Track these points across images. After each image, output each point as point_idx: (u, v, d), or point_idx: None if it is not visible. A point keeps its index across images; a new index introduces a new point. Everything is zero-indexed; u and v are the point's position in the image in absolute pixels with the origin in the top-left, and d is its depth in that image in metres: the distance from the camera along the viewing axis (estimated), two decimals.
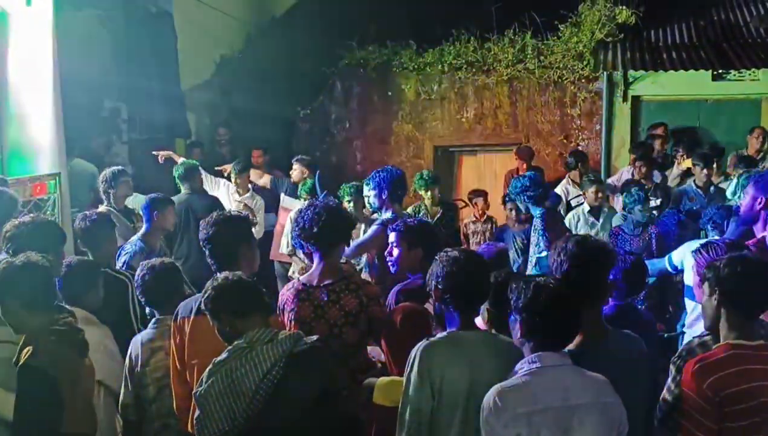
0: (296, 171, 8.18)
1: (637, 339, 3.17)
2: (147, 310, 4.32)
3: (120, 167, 6.85)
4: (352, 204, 6.95)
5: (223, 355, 2.99)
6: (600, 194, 7.70)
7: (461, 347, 2.99)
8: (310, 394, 3.00)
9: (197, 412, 2.97)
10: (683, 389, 2.77)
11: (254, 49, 10.97)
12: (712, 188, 7.63)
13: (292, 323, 3.83)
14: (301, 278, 4.07)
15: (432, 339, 3.05)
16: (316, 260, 4.01)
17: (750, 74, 9.67)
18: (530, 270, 5.84)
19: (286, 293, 3.95)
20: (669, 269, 4.57)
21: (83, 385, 3.32)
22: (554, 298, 2.76)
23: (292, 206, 7.25)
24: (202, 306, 3.19)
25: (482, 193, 8.66)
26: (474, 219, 8.58)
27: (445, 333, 3.10)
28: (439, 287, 3.08)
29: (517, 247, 7.28)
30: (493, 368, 2.89)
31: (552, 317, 2.75)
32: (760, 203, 4.24)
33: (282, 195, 8.10)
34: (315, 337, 3.17)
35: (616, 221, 7.52)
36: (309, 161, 8.18)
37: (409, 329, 3.53)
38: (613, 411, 2.74)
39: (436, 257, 3.19)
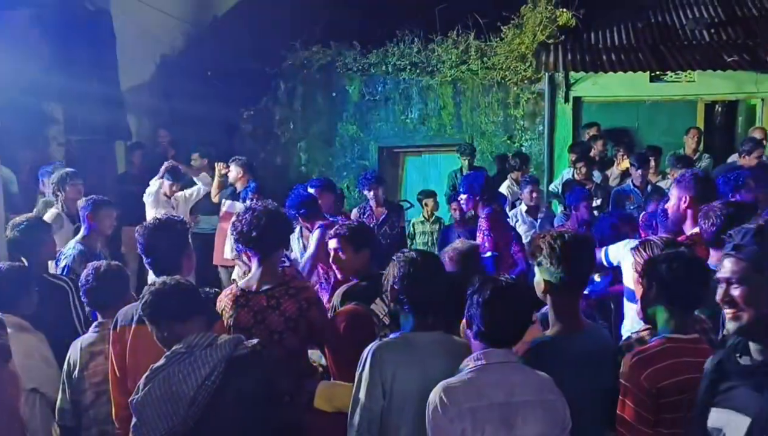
0: (232, 172, 8.09)
1: (606, 333, 3.26)
2: (88, 311, 4.22)
3: (70, 170, 6.68)
4: None
5: (161, 361, 2.91)
6: (535, 194, 7.83)
7: (414, 348, 2.99)
8: (251, 398, 2.94)
9: (134, 420, 2.89)
10: (621, 382, 2.81)
11: (195, 49, 10.83)
12: (649, 187, 7.79)
13: (231, 329, 3.74)
14: (239, 283, 4.00)
15: (385, 339, 3.05)
16: (254, 264, 3.93)
17: (686, 76, 9.91)
18: None
19: (224, 299, 3.86)
20: (604, 262, 4.62)
21: (7, 390, 3.21)
22: (503, 296, 2.78)
23: (235, 210, 7.13)
24: (140, 312, 3.11)
25: (432, 194, 8.71)
26: (422, 219, 8.61)
27: (398, 334, 3.09)
28: (396, 287, 3.08)
29: None
30: (446, 370, 2.89)
31: (498, 314, 2.76)
32: (684, 202, 4.34)
33: (224, 200, 7.98)
34: (255, 341, 3.11)
35: (558, 221, 7.63)
36: (245, 162, 8.08)
37: (353, 333, 3.50)
38: (556, 408, 2.76)
39: (394, 258, 3.19)
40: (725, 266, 2.27)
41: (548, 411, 2.74)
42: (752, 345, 2.28)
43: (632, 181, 8.01)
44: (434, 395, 2.71)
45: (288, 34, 10.71)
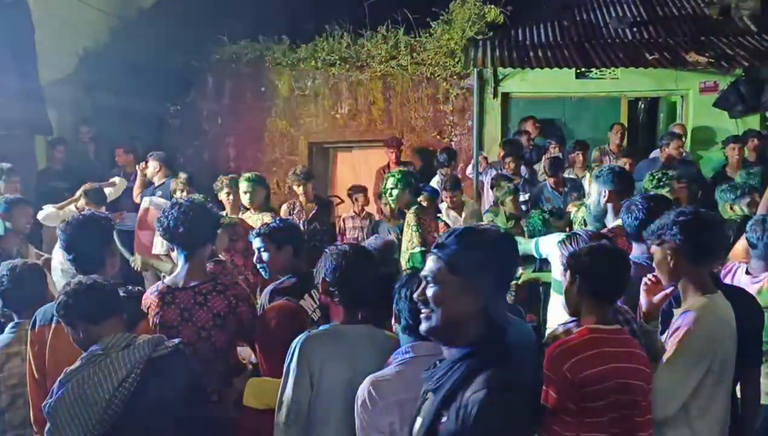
0: (150, 167, 7.91)
1: (529, 328, 3.34)
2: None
3: (5, 165, 6.42)
4: (231, 198, 6.76)
5: (76, 363, 2.82)
6: (453, 196, 7.89)
7: (342, 340, 3.01)
8: (173, 400, 2.87)
9: (48, 424, 2.79)
10: (545, 372, 2.85)
11: (120, 42, 10.50)
12: (566, 188, 7.95)
13: (157, 327, 3.67)
14: (165, 280, 3.92)
15: (314, 331, 3.05)
16: (181, 260, 3.86)
17: (610, 73, 10.14)
18: (404, 265, 5.86)
19: (150, 297, 3.78)
20: (534, 253, 4.69)
21: None
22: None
23: (152, 205, 6.95)
24: (55, 313, 3.00)
25: (362, 189, 8.69)
26: (353, 214, 8.59)
27: (327, 326, 3.10)
28: (327, 279, 3.09)
29: None
30: (375, 363, 2.90)
31: None
32: (604, 197, 4.44)
33: (150, 197, 7.78)
34: (177, 340, 3.04)
35: (489, 216, 7.70)
36: (163, 156, 7.91)
37: (283, 328, 3.47)
38: None
39: (326, 251, 3.21)
40: (427, 264, 2.22)
41: None
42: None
43: (549, 184, 8.17)
44: (362, 389, 2.71)
45: (216, 27, 10.53)
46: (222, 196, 6.74)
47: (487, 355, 2.11)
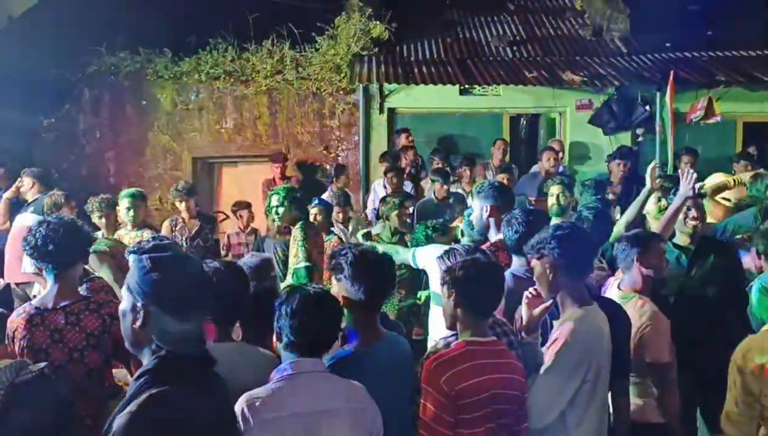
0: (24, 184, 7.53)
1: (405, 342, 3.31)
2: None
3: None
4: (103, 220, 6.48)
5: None
6: (344, 215, 7.95)
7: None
8: (40, 426, 2.69)
9: None
10: (423, 385, 2.88)
11: None
12: (451, 200, 8.07)
13: (25, 351, 3.49)
14: (33, 301, 3.71)
15: None
16: (50, 281, 3.67)
17: (492, 90, 10.40)
18: (289, 281, 5.79)
19: (16, 320, 3.60)
20: (411, 263, 4.71)
21: None
22: (312, 305, 2.77)
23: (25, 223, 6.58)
24: None
25: (247, 205, 8.57)
26: (238, 230, 8.45)
27: None
28: None
29: (278, 258, 7.20)
30: (249, 381, 2.83)
31: (307, 323, 2.75)
32: (486, 211, 4.52)
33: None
34: (42, 364, 2.87)
35: (376, 230, 7.71)
36: (36, 173, 7.55)
37: None
38: (364, 417, 2.77)
39: None
40: None
41: (357, 420, 2.75)
42: None
43: (434, 193, 8.26)
44: (237, 407, 2.65)
45: (92, 38, 10.13)
46: (94, 218, 6.46)
47: (156, 374, 2.14)
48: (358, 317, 3.08)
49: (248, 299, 3.15)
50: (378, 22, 10.38)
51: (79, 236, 3.77)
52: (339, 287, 3.09)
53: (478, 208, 4.62)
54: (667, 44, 10.82)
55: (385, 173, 8.89)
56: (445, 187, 8.23)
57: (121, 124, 10.47)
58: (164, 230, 7.20)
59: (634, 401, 3.75)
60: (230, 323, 3.06)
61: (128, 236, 6.33)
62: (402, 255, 4.65)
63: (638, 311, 3.84)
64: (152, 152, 10.53)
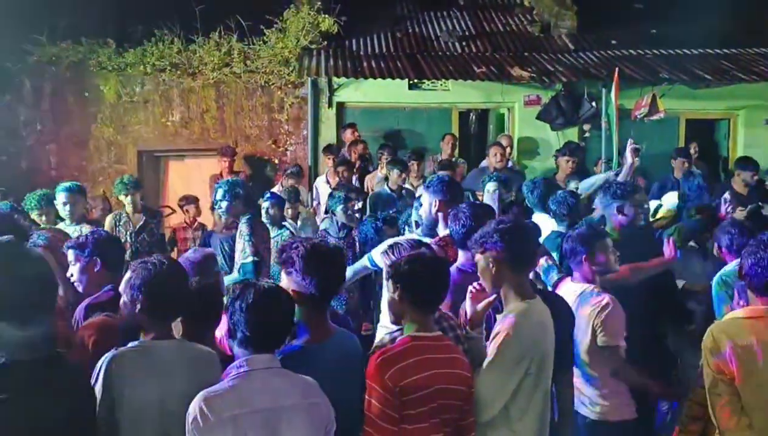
0: None
1: (354, 338, 3.30)
2: None
3: None
4: (44, 217, 6.28)
5: None
6: (292, 211, 7.86)
7: (151, 357, 2.87)
8: None
9: None
10: (367, 381, 2.87)
11: None
12: (404, 191, 8.07)
13: None
14: None
15: (121, 349, 2.88)
16: None
17: (441, 85, 10.43)
18: (235, 276, 5.71)
19: None
20: (369, 266, 4.68)
21: None
22: (265, 300, 2.74)
23: None
24: None
25: (194, 200, 8.46)
26: (185, 225, 8.32)
27: (135, 343, 2.93)
28: (141, 296, 2.91)
29: (224, 253, 7.10)
30: (187, 379, 2.81)
31: (262, 318, 2.73)
32: (435, 206, 4.51)
33: None
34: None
35: (324, 224, 7.65)
36: None
37: (101, 345, 3.24)
38: (320, 411, 2.78)
39: (132, 265, 3.02)
40: None
41: (313, 414, 2.76)
42: None
43: (388, 185, 8.24)
44: (194, 406, 2.62)
45: (33, 27, 9.85)
46: (34, 215, 6.25)
47: None
48: (308, 312, 3.05)
49: (187, 295, 3.07)
50: (327, 16, 10.31)
51: (14, 231, 3.65)
52: (288, 281, 3.05)
53: (426, 202, 4.60)
54: (613, 42, 10.99)
55: (336, 168, 8.84)
56: (403, 175, 8.22)
57: (62, 116, 10.22)
58: (107, 225, 7.03)
59: (599, 402, 4.00)
60: (168, 320, 2.98)
61: (67, 231, 6.17)
62: (357, 267, 4.61)
63: (596, 298, 4.04)
64: (96, 145, 10.30)
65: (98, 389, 2.75)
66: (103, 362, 2.80)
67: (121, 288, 3.02)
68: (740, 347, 3.07)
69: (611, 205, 5.07)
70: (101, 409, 2.71)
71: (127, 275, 2.99)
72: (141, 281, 2.92)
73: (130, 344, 2.91)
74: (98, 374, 2.78)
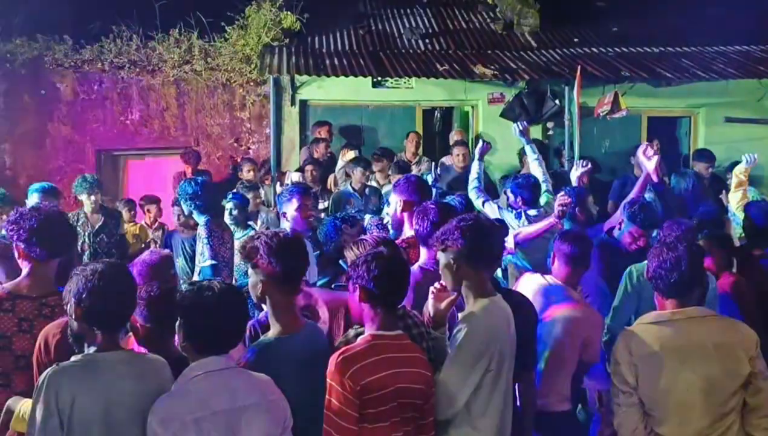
0: None
1: (323, 333, 3.32)
2: None
3: None
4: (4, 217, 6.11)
5: None
6: (258, 200, 7.90)
7: (96, 370, 2.72)
8: None
9: None
10: (328, 380, 2.86)
11: None
12: (367, 190, 8.02)
13: None
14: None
15: (63, 363, 2.74)
16: None
17: (405, 82, 10.38)
18: (196, 278, 5.60)
19: None
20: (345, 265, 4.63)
21: None
22: (214, 301, 2.70)
23: None
24: None
25: (155, 200, 8.32)
26: (146, 225, 8.19)
27: (79, 356, 2.78)
28: (81, 305, 2.73)
29: (185, 254, 6.97)
30: (135, 391, 2.71)
31: (213, 321, 2.70)
32: (400, 206, 4.48)
33: None
34: None
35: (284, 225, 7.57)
36: None
37: (65, 346, 3.11)
38: (278, 408, 2.78)
39: (76, 271, 2.83)
40: None
41: (272, 412, 2.76)
42: None
43: (351, 184, 8.18)
44: (155, 411, 2.59)
45: None
46: None
47: None
48: (279, 302, 3.05)
49: (134, 303, 2.92)
50: (289, 13, 10.23)
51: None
52: (256, 274, 3.05)
53: (393, 202, 4.59)
54: (576, 39, 11.04)
55: (304, 167, 8.72)
56: (366, 174, 8.15)
57: (18, 114, 9.99)
58: None
59: None
60: (117, 329, 2.85)
61: None
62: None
63: None
64: (52, 144, 10.11)
65: (39, 406, 2.62)
66: (44, 376, 2.66)
67: (65, 295, 2.86)
68: (646, 354, 3.10)
69: None
70: (45, 429, 2.60)
71: (72, 281, 2.80)
72: (77, 289, 2.74)
73: (72, 358, 2.76)
74: (40, 389, 2.64)
